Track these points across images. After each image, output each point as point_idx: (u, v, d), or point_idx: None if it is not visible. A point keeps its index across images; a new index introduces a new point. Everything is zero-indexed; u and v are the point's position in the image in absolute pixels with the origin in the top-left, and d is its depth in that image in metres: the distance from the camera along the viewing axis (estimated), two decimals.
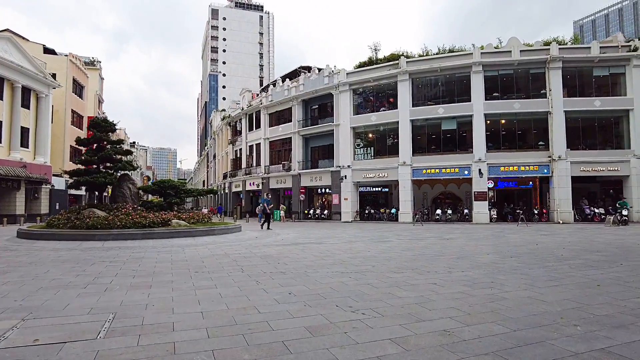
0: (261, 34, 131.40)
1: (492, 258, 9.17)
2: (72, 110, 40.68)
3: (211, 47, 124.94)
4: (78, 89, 42.75)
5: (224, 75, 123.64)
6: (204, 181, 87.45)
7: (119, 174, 18.62)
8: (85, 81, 44.50)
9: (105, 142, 18.68)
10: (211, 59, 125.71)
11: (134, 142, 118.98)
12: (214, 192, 21.75)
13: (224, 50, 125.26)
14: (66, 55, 40.52)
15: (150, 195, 25.40)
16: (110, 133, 19.18)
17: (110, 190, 20.64)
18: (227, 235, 14.90)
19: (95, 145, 18.75)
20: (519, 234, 16.67)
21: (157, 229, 13.23)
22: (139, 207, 15.87)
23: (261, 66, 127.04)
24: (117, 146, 19.16)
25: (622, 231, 17.94)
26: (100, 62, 53.41)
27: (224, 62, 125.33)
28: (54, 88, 34.75)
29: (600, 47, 29.28)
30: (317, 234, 17.53)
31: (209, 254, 10.08)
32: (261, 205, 32.15)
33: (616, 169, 28.36)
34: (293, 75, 41.00)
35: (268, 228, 19.95)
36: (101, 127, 18.62)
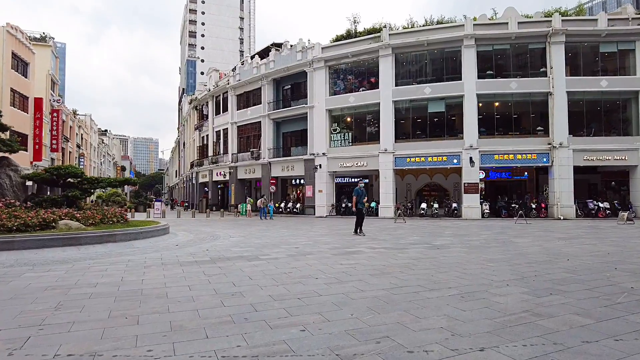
0: (242, 18, 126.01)
1: (519, 295, 5.39)
2: (11, 89, 35.63)
3: (189, 31, 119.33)
4: (21, 65, 37.64)
5: (202, 61, 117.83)
6: (176, 171, 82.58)
7: None
8: (29, 57, 39.24)
9: None
10: (189, 44, 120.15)
11: (106, 131, 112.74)
12: (131, 182, 17.50)
13: (203, 35, 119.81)
14: (3, 26, 35.33)
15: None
16: None
17: None
18: (137, 243, 10.83)
19: None
20: (525, 237, 13.00)
21: (20, 236, 9.08)
22: (22, 203, 11.71)
23: (241, 52, 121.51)
24: None
25: None
26: (53, 38, 47.95)
27: (202, 48, 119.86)
28: None
29: (608, 20, 25.75)
30: (270, 237, 13.62)
31: (58, 283, 6.13)
32: (263, 199, 28.31)
33: (623, 158, 25.04)
34: (265, 53, 36.69)
35: (359, 232, 13.64)
36: None
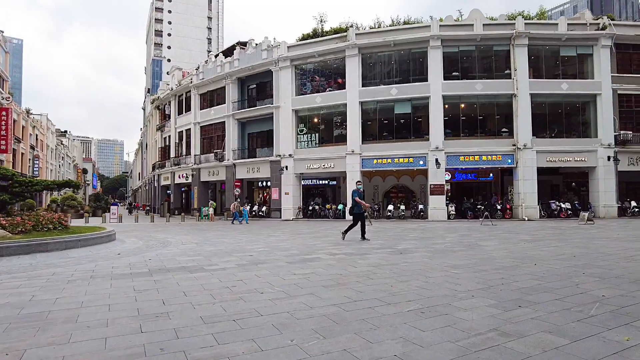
0: (210, 18, 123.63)
1: (486, 309, 4.87)
2: None
3: (155, 30, 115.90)
4: None
5: (168, 60, 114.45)
6: (139, 174, 79.66)
7: None
8: None
9: None
10: (155, 43, 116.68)
11: (65, 131, 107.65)
12: (73, 184, 16.14)
13: (169, 35, 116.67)
14: None
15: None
16: None
17: None
18: (73, 252, 9.74)
19: None
20: (491, 239, 12.69)
21: None
22: None
23: (209, 52, 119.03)
24: None
25: (604, 230, 14.60)
26: (1, 31, 44.97)
27: (169, 47, 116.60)
28: None
29: (568, 25, 26.31)
30: (225, 243, 12.77)
31: None
32: (236, 203, 26.72)
33: (583, 159, 25.56)
34: (230, 52, 35.52)
35: (363, 237, 12.40)
36: None
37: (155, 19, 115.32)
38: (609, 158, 24.96)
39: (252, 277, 6.73)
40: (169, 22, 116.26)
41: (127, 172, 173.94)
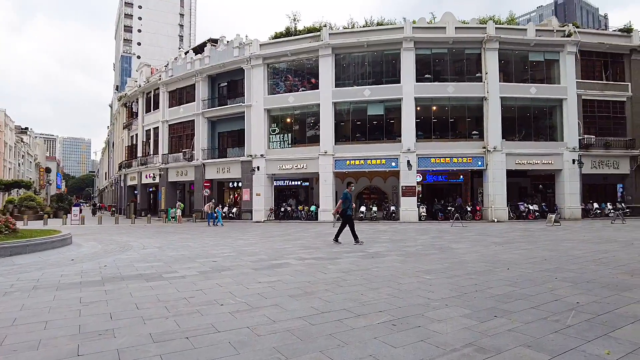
0: (182, 15, 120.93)
1: (460, 319, 4.64)
2: None
3: (125, 26, 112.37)
4: None
5: (138, 57, 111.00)
6: (106, 173, 76.97)
7: None
8: None
9: None
10: (124, 39, 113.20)
11: (27, 129, 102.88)
12: (22, 185, 15.10)
13: (139, 31, 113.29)
14: None
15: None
16: None
17: None
18: (19, 258, 8.98)
19: None
20: (462, 242, 12.62)
21: None
22: None
23: (181, 49, 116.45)
24: None
25: (571, 232, 14.83)
26: None
27: (139, 44, 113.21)
28: None
29: (536, 30, 26.93)
30: (190, 247, 12.22)
31: None
32: (210, 204, 25.56)
33: (550, 162, 26.18)
34: (201, 49, 34.58)
35: (336, 239, 12.08)
36: None
37: (125, 14, 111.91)
38: (573, 161, 25.62)
39: (213, 286, 6.27)
40: (139, 18, 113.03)
41: (94, 172, 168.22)
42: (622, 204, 26.31)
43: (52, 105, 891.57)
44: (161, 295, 5.68)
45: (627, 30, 28.46)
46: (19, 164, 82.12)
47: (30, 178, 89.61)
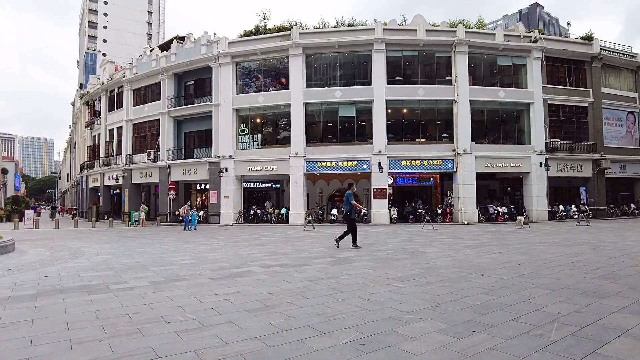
0: (150, 12, 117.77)
1: (436, 336, 4.27)
2: None
3: (89, 22, 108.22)
4: None
5: (104, 54, 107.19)
6: (68, 174, 73.57)
7: None
8: None
9: None
10: (89, 36, 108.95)
11: None
12: None
13: (105, 27, 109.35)
14: None
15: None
16: None
17: None
18: None
19: None
20: (434, 245, 12.33)
21: None
22: None
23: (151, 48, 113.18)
24: None
25: (540, 234, 14.87)
26: None
27: (104, 41, 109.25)
28: None
29: (504, 35, 27.31)
30: (148, 254, 11.46)
31: None
32: (186, 207, 23.75)
33: (518, 165, 26.56)
34: (168, 47, 33.33)
35: (338, 242, 11.52)
36: None
37: (90, 10, 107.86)
38: (540, 164, 26.08)
39: (163, 299, 5.59)
40: (105, 14, 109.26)
41: (57, 173, 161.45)
42: (586, 207, 27.02)
43: (11, 103, 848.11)
44: (101, 311, 4.98)
45: (588, 39, 29.33)
46: None
47: None
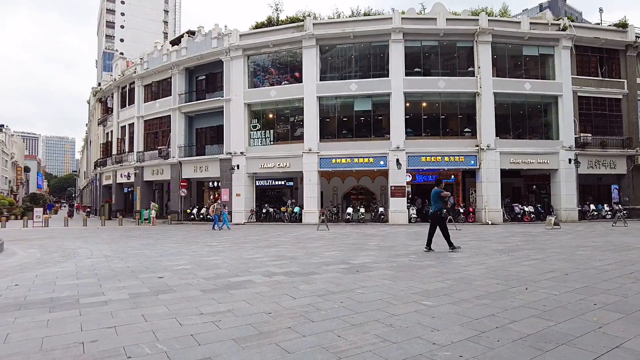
0: (166, 11, 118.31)
1: None
2: None
3: (107, 21, 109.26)
4: None
5: (121, 54, 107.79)
6: (84, 172, 74.09)
7: None
8: None
9: None
10: (107, 35, 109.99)
11: (2, 125, 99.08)
12: None
13: (122, 27, 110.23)
14: None
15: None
16: None
17: None
18: None
19: None
20: (463, 250, 10.99)
21: None
22: None
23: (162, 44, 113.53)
24: None
25: (575, 236, 13.42)
26: None
27: (122, 40, 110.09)
28: None
29: (530, 24, 25.65)
30: (145, 256, 10.57)
31: None
32: (216, 205, 22.65)
33: (546, 161, 24.91)
34: (179, 41, 32.61)
35: (428, 247, 10.31)
36: None
37: (107, 10, 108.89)
38: (570, 161, 24.43)
39: (136, 319, 4.55)
40: (122, 14, 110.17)
41: (76, 171, 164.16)
42: (619, 206, 25.21)
43: (34, 103, 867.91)
44: (50, 338, 3.95)
45: (622, 25, 27.38)
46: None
47: (6, 177, 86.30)
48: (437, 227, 10.24)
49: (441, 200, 10.25)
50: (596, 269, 7.59)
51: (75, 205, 66.83)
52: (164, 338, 3.90)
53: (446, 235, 10.28)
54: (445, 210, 10.67)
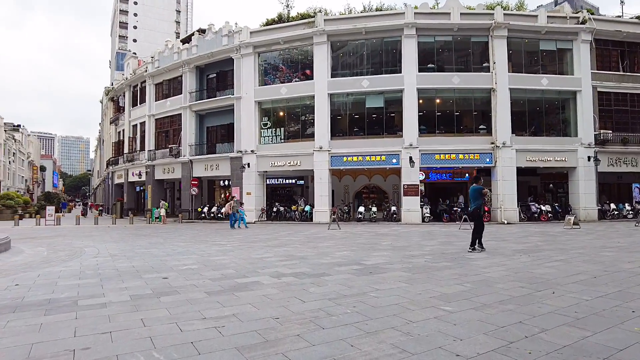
0: (178, 11, 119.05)
1: None
2: None
3: (120, 22, 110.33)
4: None
5: (134, 54, 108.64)
6: (98, 171, 74.88)
7: None
8: None
9: None
10: (120, 36, 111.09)
11: (19, 126, 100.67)
12: None
13: (135, 27, 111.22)
14: None
15: None
16: None
17: None
18: None
19: None
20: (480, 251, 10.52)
21: None
22: None
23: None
24: None
25: (598, 236, 12.84)
26: None
27: (134, 40, 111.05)
28: None
29: (548, 17, 24.89)
30: (152, 255, 10.38)
31: None
32: (232, 203, 21.62)
33: (563, 159, 24.17)
34: (189, 40, 32.51)
35: (477, 245, 9.98)
36: None
37: (120, 10, 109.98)
38: (589, 158, 23.66)
39: (134, 324, 4.25)
40: (135, 14, 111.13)
41: (91, 170, 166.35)
42: None
43: (51, 104, 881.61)
44: (42, 344, 3.67)
45: None
46: (9, 161, 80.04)
47: (23, 176, 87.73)
48: (477, 224, 9.87)
49: (481, 198, 9.88)
50: (627, 272, 7.10)
51: (89, 204, 67.62)
52: (161, 346, 3.59)
53: (478, 234, 9.86)
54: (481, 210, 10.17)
